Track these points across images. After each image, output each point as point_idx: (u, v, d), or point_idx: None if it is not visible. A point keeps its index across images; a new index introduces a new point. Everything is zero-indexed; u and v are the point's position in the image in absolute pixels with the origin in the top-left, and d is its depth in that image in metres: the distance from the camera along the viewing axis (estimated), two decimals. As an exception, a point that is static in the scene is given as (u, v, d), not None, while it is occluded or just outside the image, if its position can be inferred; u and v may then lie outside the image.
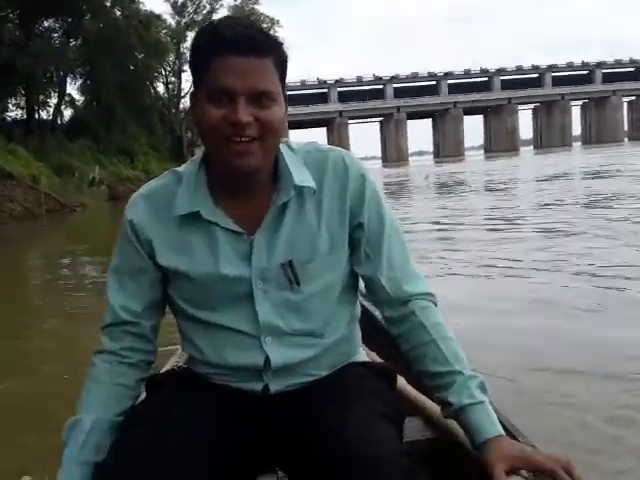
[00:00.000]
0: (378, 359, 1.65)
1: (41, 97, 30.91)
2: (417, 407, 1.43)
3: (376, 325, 1.85)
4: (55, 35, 30.71)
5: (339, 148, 1.23)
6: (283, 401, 1.16)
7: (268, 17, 50.73)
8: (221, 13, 52.88)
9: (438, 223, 9.85)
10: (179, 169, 1.20)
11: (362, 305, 1.37)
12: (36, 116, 30.19)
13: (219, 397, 1.16)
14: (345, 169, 1.17)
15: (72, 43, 31.52)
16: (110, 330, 1.20)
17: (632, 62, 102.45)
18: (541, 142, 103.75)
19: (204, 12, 50.04)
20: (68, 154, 26.27)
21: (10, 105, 29.38)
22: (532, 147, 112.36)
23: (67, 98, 33.84)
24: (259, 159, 1.07)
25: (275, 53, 1.07)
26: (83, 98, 36.17)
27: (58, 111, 32.27)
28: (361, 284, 1.27)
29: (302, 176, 1.14)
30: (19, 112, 29.89)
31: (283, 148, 1.17)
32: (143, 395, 1.23)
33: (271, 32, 1.19)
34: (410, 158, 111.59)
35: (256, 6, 50.83)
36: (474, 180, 21.79)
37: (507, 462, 1.01)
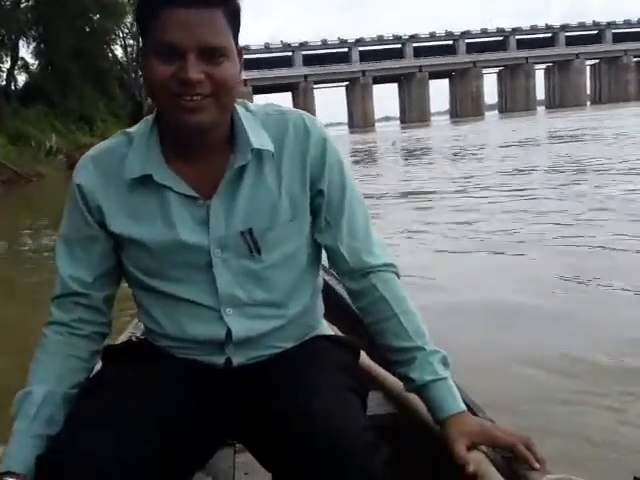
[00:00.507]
0: (339, 333, 1.61)
1: (-8, 61, 29.62)
2: (378, 381, 1.42)
3: (337, 299, 1.82)
4: (5, -4, 29.25)
5: (300, 110, 1.18)
6: (246, 374, 1.13)
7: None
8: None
9: (408, 194, 9.56)
10: (130, 130, 1.15)
11: (323, 279, 1.34)
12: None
13: (179, 370, 1.12)
14: (306, 132, 1.12)
15: (23, 4, 30.08)
16: (60, 301, 1.15)
17: (595, 25, 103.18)
18: (506, 106, 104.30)
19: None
20: (24, 121, 25.31)
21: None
22: (497, 112, 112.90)
23: (20, 62, 32.46)
24: (212, 116, 1.02)
25: (226, 4, 1.01)
26: (37, 62, 34.70)
27: (11, 76, 30.97)
28: (324, 255, 1.24)
29: (260, 139, 1.09)
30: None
31: (240, 109, 1.12)
32: (99, 365, 1.18)
33: None
34: (377, 124, 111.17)
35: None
36: (442, 147, 21.64)
37: (468, 438, 1.03)
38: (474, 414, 1.12)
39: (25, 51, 33.33)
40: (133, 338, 1.29)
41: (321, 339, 1.23)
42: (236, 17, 1.04)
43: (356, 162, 18.27)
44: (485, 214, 7.03)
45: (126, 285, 1.20)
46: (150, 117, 1.13)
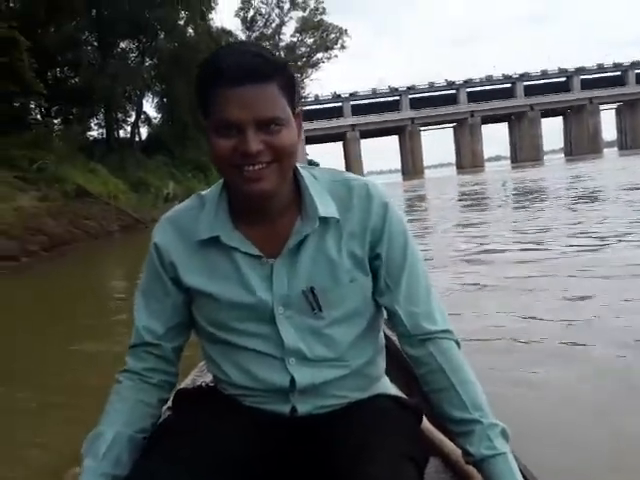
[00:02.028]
0: (400, 392, 1.60)
1: (119, 116, 32.03)
2: (437, 447, 1.39)
3: (400, 358, 1.77)
4: (131, 55, 31.78)
5: (363, 177, 1.22)
6: (311, 425, 1.17)
7: (336, 27, 50.71)
8: (290, 26, 53.45)
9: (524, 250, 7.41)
10: (204, 193, 1.23)
11: (387, 337, 1.35)
12: (115, 135, 31.25)
13: (247, 418, 1.17)
14: (368, 199, 1.17)
15: (147, 63, 32.51)
16: (134, 350, 1.23)
17: None
18: (626, 143, 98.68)
19: (273, 25, 50.72)
20: (145, 171, 26.97)
21: (92, 125, 30.58)
22: (616, 149, 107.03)
23: (144, 116, 34.93)
24: (273, 183, 1.08)
25: (279, 75, 1.06)
26: (159, 116, 37.17)
27: (136, 129, 33.33)
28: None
29: (327, 206, 1.15)
30: (100, 131, 31.07)
31: (306, 176, 1.18)
32: (167, 406, 1.27)
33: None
34: (487, 163, 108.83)
35: (324, 17, 50.81)
36: (558, 189, 20.34)
37: None
38: None
39: (148, 106, 35.79)
40: (203, 385, 1.34)
41: (386, 399, 1.24)
42: (290, 85, 1.09)
43: (465, 206, 17.51)
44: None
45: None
46: (221, 181, 1.19)
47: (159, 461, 1.05)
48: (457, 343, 1.20)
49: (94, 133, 30.85)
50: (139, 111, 33.34)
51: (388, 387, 1.32)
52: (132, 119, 33.04)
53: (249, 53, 1.05)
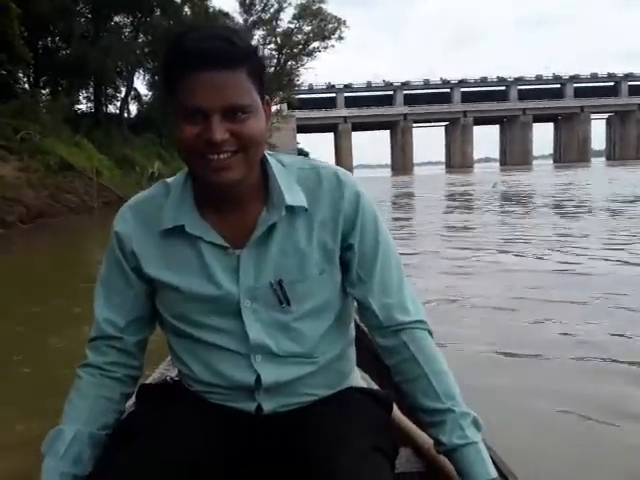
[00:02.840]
0: (372, 383, 1.60)
1: (109, 91, 31.64)
2: (409, 437, 1.39)
3: (371, 348, 1.73)
4: (125, 30, 31.34)
5: (334, 165, 1.19)
6: (277, 423, 1.15)
7: (335, 17, 50.37)
8: (288, 12, 53.05)
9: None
10: (169, 180, 1.18)
11: (358, 327, 1.32)
12: (103, 109, 30.85)
13: (211, 415, 1.14)
14: (339, 187, 1.13)
15: (141, 39, 32.07)
16: (95, 344, 1.19)
17: None
18: (614, 154, 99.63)
19: (271, 10, 50.13)
20: (131, 148, 26.73)
21: (81, 98, 30.13)
22: (604, 158, 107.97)
23: (134, 93, 34.51)
24: (239, 173, 1.05)
25: (248, 62, 1.02)
26: (150, 93, 36.72)
27: (125, 105, 32.92)
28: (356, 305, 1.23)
29: (294, 195, 1.11)
30: (89, 105, 30.66)
31: (274, 163, 1.14)
32: (130, 404, 1.23)
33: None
34: (476, 164, 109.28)
35: (323, 5, 50.36)
36: (546, 194, 20.32)
37: None
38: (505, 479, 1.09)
39: (140, 83, 35.32)
40: (168, 379, 1.31)
41: (355, 392, 1.22)
42: (260, 72, 1.05)
43: (453, 208, 17.37)
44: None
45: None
46: (187, 168, 1.13)
47: (121, 460, 1.02)
48: (430, 333, 1.18)
49: (82, 107, 30.56)
50: (130, 87, 32.92)
51: (358, 380, 1.30)
52: (122, 95, 32.64)
53: (218, 37, 1.00)
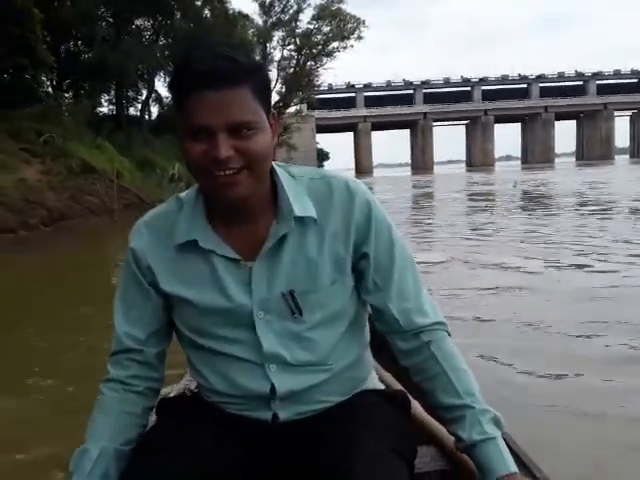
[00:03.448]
0: (393, 381, 1.61)
1: (130, 93, 31.90)
2: (431, 435, 1.39)
3: (390, 348, 1.68)
4: (146, 33, 31.58)
5: (344, 175, 1.20)
6: (294, 431, 1.15)
7: (354, 17, 50.26)
8: (307, 13, 53.05)
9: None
10: (182, 195, 1.21)
11: (375, 328, 1.30)
12: (125, 112, 31.13)
13: (229, 426, 1.15)
14: (350, 197, 1.14)
15: (162, 42, 32.30)
16: (116, 358, 1.21)
17: None
18: (638, 151, 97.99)
19: (291, 11, 50.17)
20: (152, 150, 26.89)
21: (103, 101, 30.47)
22: (627, 156, 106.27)
23: (155, 95, 34.74)
24: (247, 188, 1.06)
25: (252, 79, 1.04)
26: (170, 96, 36.99)
27: (146, 108, 33.19)
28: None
29: (303, 206, 1.12)
30: (110, 108, 30.96)
31: (283, 175, 1.15)
32: (153, 418, 1.25)
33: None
34: (497, 163, 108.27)
35: (342, 5, 50.26)
36: (569, 194, 19.93)
37: None
38: (531, 474, 1.08)
39: (161, 85, 35.54)
40: (187, 392, 1.33)
41: (370, 394, 1.23)
42: (265, 88, 1.08)
43: (472, 208, 17.11)
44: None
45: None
46: (197, 184, 1.15)
47: (143, 475, 1.03)
48: (448, 334, 1.20)
49: (104, 109, 30.82)
50: (150, 90, 33.15)
51: (375, 383, 1.31)
52: (143, 97, 32.92)
53: (221, 56, 1.03)
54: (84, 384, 2.94)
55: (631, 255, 7.00)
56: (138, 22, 30.85)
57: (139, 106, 32.96)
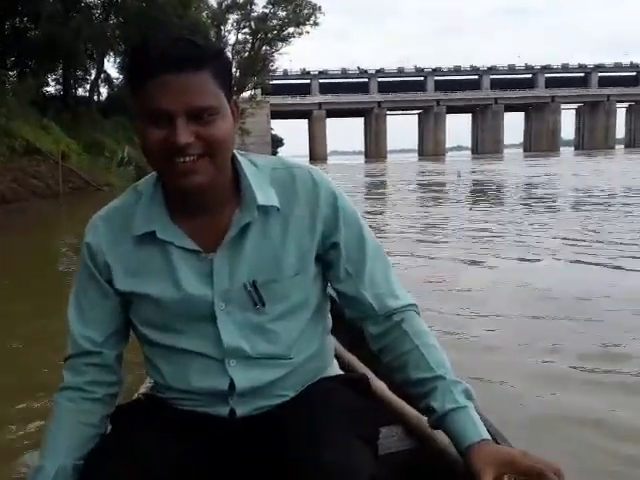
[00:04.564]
0: (359, 364, 1.63)
1: (79, 73, 31.02)
2: (398, 415, 1.38)
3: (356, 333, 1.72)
4: (95, 12, 30.70)
5: (308, 164, 1.20)
6: (251, 425, 1.13)
7: (310, 3, 50.07)
8: (263, -4, 52.41)
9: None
10: (139, 185, 1.17)
11: (339, 311, 1.30)
12: (72, 92, 30.28)
13: (185, 424, 1.12)
14: (314, 187, 1.13)
15: (112, 20, 31.48)
16: (72, 363, 1.16)
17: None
18: (582, 143, 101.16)
19: (246, -6, 49.53)
20: (101, 132, 26.30)
21: (49, 80, 29.54)
22: (572, 148, 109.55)
23: (104, 76, 33.93)
24: (207, 176, 1.03)
25: (212, 63, 1.01)
26: (121, 77, 36.16)
27: (95, 88, 32.36)
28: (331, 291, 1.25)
29: (266, 195, 1.10)
30: (57, 87, 30.06)
31: (245, 164, 1.13)
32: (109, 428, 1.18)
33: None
34: (448, 153, 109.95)
35: (298, -10, 49.97)
36: (513, 184, 20.43)
37: (495, 468, 0.99)
38: (497, 444, 1.08)
39: (110, 66, 34.68)
40: (141, 395, 1.30)
41: (326, 382, 1.22)
42: (226, 73, 1.05)
43: (421, 201, 17.24)
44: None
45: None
46: (155, 173, 1.13)
47: None
48: (419, 315, 1.21)
49: (51, 89, 29.87)
50: (100, 70, 32.34)
51: (334, 370, 1.30)
52: (92, 78, 32.07)
53: (180, 40, 1.01)
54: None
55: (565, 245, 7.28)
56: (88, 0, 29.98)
57: (88, 86, 32.12)
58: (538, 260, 6.37)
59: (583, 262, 6.09)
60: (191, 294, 1.10)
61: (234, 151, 1.12)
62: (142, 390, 1.64)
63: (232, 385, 1.12)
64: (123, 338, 1.20)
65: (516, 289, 5.08)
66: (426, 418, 1.16)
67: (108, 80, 35.03)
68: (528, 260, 6.39)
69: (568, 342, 3.61)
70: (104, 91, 35.18)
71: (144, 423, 1.11)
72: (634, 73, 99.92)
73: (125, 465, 1.00)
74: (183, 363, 1.14)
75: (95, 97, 32.50)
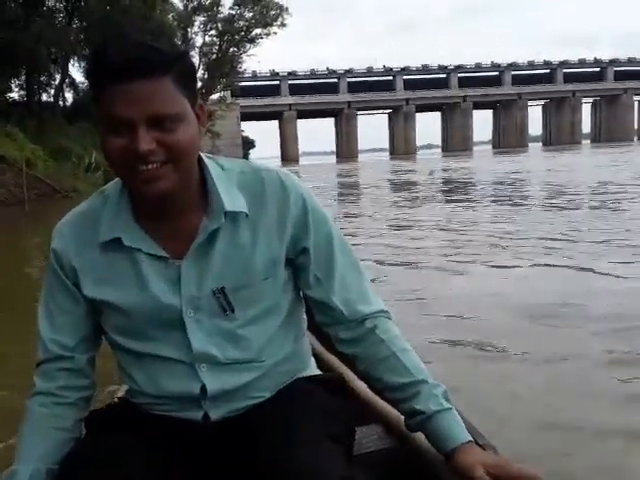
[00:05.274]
0: (339, 364, 1.62)
1: (43, 79, 30.47)
2: (378, 414, 1.38)
3: None
4: (58, 15, 30.18)
5: (276, 168, 1.17)
6: (226, 428, 1.12)
7: (277, 4, 49.89)
8: (229, -1, 52.12)
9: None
10: (106, 190, 1.15)
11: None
12: (37, 98, 29.72)
13: (159, 429, 1.11)
14: (283, 190, 1.12)
15: (76, 24, 30.96)
16: (43, 368, 1.15)
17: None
18: (550, 139, 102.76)
19: (212, -4, 49.17)
20: (67, 138, 25.85)
21: (13, 86, 28.93)
22: (540, 144, 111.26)
23: (69, 80, 33.36)
24: (171, 183, 1.02)
25: (174, 68, 0.99)
26: (86, 81, 35.58)
27: (60, 93, 31.81)
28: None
29: (234, 200, 1.09)
30: (21, 93, 29.44)
31: (212, 167, 1.11)
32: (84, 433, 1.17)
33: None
34: (419, 151, 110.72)
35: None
36: (485, 181, 20.63)
37: (484, 467, 1.00)
38: (479, 445, 1.10)
39: (75, 70, 34.19)
40: (115, 400, 1.28)
41: (302, 382, 1.21)
42: (189, 77, 1.03)
43: (398, 203, 17.26)
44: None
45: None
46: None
47: None
48: (390, 320, 1.21)
49: (14, 95, 29.27)
50: (64, 75, 31.77)
51: (312, 370, 1.30)
52: (57, 83, 31.48)
53: (140, 45, 0.98)
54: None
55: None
56: (50, 3, 29.46)
57: (52, 92, 31.56)
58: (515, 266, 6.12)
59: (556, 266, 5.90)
60: (159, 301, 1.09)
61: (201, 154, 1.11)
62: (119, 394, 1.65)
63: (204, 389, 1.12)
64: (95, 342, 1.19)
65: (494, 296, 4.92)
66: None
67: (73, 85, 34.46)
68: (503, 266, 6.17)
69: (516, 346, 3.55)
70: (69, 96, 34.62)
71: (119, 428, 1.10)
72: (598, 69, 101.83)
73: (99, 471, 0.98)
74: (155, 368, 1.13)
75: (60, 102, 31.95)
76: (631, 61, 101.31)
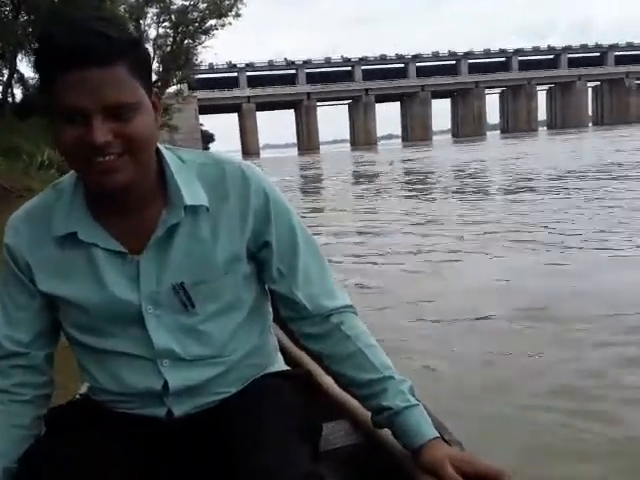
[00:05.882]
0: (308, 360, 1.60)
1: (-11, 74, 29.41)
2: (345, 410, 1.37)
3: None
4: (4, 10, 29.13)
5: (238, 159, 1.14)
6: (190, 425, 1.11)
7: (232, -7, 49.10)
8: (184, -11, 51.20)
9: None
10: (60, 184, 1.12)
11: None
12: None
13: (122, 427, 1.10)
14: (245, 182, 1.09)
15: (23, 18, 29.92)
16: None
17: (597, 47, 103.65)
18: (507, 127, 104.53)
19: (165, -13, 48.14)
20: (17, 135, 24.99)
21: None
22: (499, 132, 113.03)
23: (18, 76, 32.31)
24: (128, 175, 0.98)
25: (128, 55, 0.95)
26: (37, 76, 34.55)
27: (8, 90, 30.72)
28: None
29: (194, 193, 1.06)
30: (-33, 90, 28.37)
31: (171, 159, 1.08)
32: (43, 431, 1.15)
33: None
34: (380, 142, 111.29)
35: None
36: (442, 170, 20.90)
37: (452, 463, 1.00)
38: (445, 440, 1.10)
39: (24, 65, 33.13)
40: (77, 396, 1.25)
41: (269, 378, 1.19)
42: (143, 64, 0.99)
43: (360, 195, 17.40)
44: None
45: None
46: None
47: None
48: (356, 315, 1.19)
49: (-40, 92, 28.16)
50: (12, 70, 30.70)
51: (279, 366, 1.28)
52: (4, 79, 30.42)
53: (91, 31, 0.91)
54: None
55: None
56: (-6, -4, 28.37)
57: (0, 88, 30.45)
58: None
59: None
60: (117, 298, 1.06)
61: (160, 146, 1.07)
62: (82, 391, 1.60)
63: (166, 385, 1.09)
64: (52, 338, 1.16)
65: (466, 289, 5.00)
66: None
67: (22, 80, 33.38)
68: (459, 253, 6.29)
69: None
70: (18, 92, 33.53)
71: (79, 426, 1.08)
72: (552, 56, 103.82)
73: (59, 469, 0.96)
74: (115, 365, 1.10)
75: (9, 99, 30.85)
76: (584, 48, 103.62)
